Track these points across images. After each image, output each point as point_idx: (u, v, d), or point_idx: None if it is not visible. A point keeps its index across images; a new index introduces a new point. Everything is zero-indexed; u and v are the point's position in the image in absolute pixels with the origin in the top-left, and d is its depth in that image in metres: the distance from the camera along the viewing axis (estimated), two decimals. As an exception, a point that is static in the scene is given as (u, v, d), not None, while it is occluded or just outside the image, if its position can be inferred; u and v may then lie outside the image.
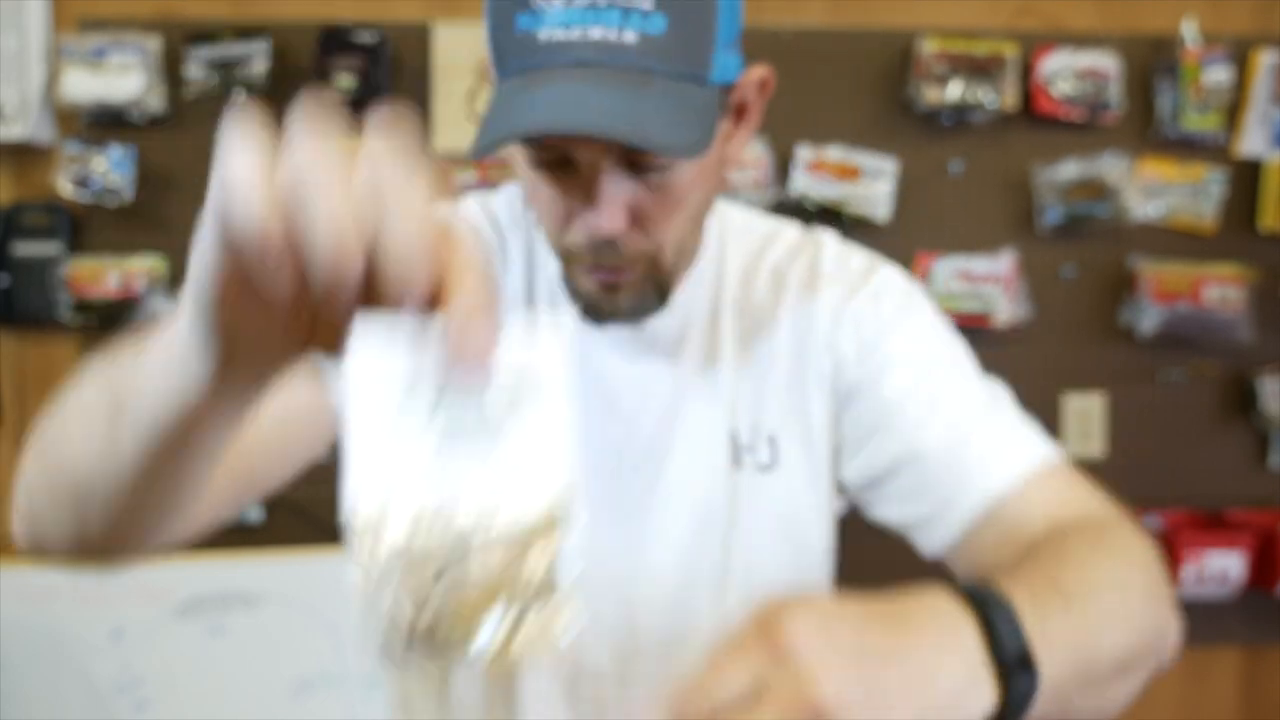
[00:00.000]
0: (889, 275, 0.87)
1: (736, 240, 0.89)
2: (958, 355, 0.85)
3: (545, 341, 0.41)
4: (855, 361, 0.83)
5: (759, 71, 0.76)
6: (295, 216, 0.36)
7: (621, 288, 0.75)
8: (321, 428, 0.78)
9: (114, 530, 0.59)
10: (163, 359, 0.47)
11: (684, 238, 0.76)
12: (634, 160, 0.69)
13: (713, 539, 0.85)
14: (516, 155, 0.74)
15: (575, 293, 0.77)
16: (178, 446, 0.50)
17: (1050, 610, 0.56)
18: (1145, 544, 0.72)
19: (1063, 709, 0.55)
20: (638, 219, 0.72)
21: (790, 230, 0.91)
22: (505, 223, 0.88)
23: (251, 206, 0.36)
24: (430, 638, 0.41)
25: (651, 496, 0.85)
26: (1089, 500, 0.77)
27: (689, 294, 0.85)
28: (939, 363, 0.84)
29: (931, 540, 0.81)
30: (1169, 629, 0.70)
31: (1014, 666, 0.52)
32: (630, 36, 0.64)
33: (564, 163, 0.71)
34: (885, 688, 0.47)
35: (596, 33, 0.64)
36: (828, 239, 0.90)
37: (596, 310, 0.77)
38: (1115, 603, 0.63)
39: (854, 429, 0.84)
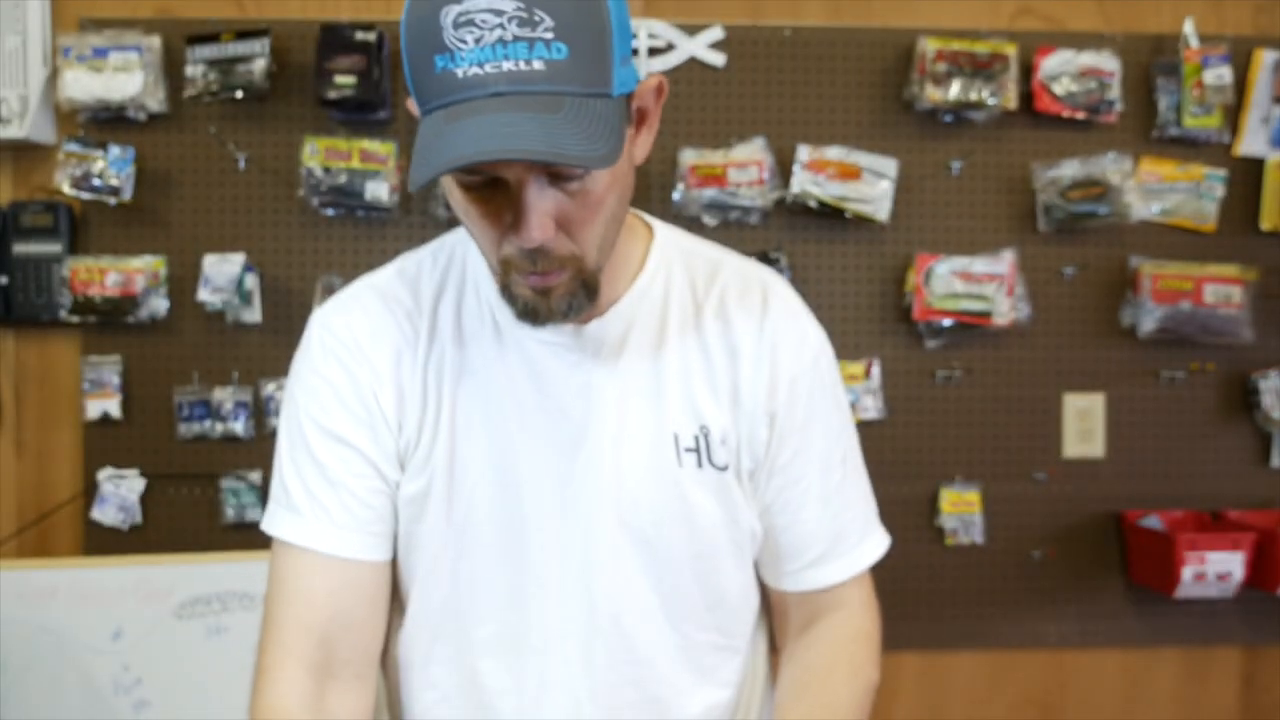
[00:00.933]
0: (825, 341, 1.01)
1: (684, 263, 0.98)
2: (851, 433, 1.03)
3: None
4: (786, 405, 0.96)
5: (654, 79, 0.86)
6: None
7: (554, 290, 0.83)
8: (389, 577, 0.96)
9: None
10: None
11: (605, 237, 0.85)
12: (554, 173, 0.78)
13: (661, 530, 0.93)
14: (448, 183, 0.82)
15: (513, 299, 0.85)
16: None
17: None
18: (871, 662, 1.02)
19: None
20: (563, 225, 0.80)
21: (735, 259, 1.02)
22: (431, 272, 0.97)
23: None
24: None
25: (602, 491, 0.92)
26: (863, 612, 1.04)
27: (634, 303, 0.94)
28: (840, 443, 1.01)
29: (764, 575, 1.03)
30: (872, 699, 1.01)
31: None
32: (538, 65, 0.73)
33: (492, 183, 0.79)
34: None
35: (508, 65, 0.73)
36: (780, 282, 1.01)
37: (534, 313, 0.84)
38: None
39: (764, 457, 0.97)
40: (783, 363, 0.96)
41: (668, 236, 1.00)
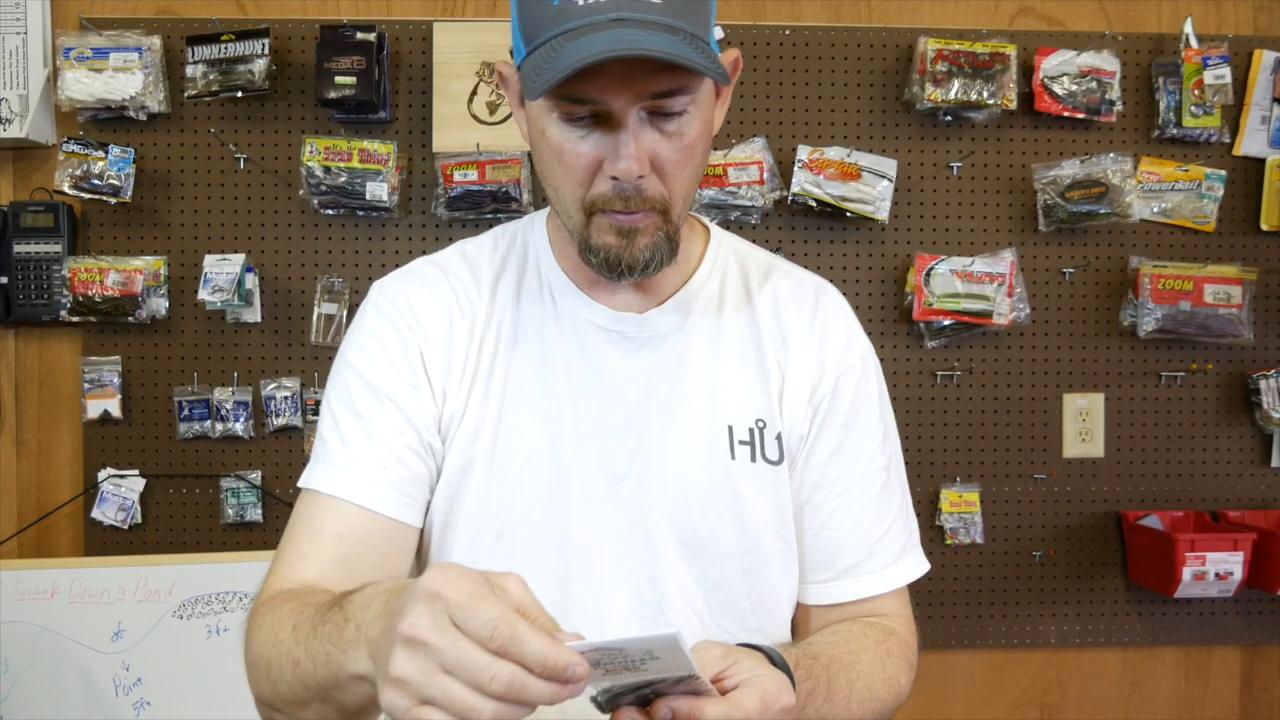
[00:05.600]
0: (871, 349, 1.03)
1: (738, 262, 1.01)
2: (896, 447, 1.02)
3: None
4: (829, 399, 0.97)
5: (733, 52, 0.91)
6: None
7: (639, 233, 0.86)
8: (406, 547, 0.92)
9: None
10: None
11: (689, 189, 0.88)
12: (656, 108, 0.81)
13: (709, 522, 0.92)
14: (546, 120, 0.84)
15: (594, 250, 0.87)
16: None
17: (816, 698, 0.84)
18: (904, 661, 0.97)
19: None
20: (656, 167, 0.84)
21: (787, 263, 1.05)
22: (492, 253, 1.00)
23: None
24: None
25: (649, 479, 0.92)
26: (901, 624, 1.00)
27: (691, 295, 0.96)
28: (882, 451, 1.00)
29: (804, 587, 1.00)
30: (896, 702, 0.95)
31: None
32: None
33: (592, 119, 0.82)
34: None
35: None
36: (831, 288, 1.04)
37: (616, 263, 0.86)
38: (859, 703, 0.89)
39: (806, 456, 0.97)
40: (830, 358, 0.98)
41: (723, 237, 1.03)
